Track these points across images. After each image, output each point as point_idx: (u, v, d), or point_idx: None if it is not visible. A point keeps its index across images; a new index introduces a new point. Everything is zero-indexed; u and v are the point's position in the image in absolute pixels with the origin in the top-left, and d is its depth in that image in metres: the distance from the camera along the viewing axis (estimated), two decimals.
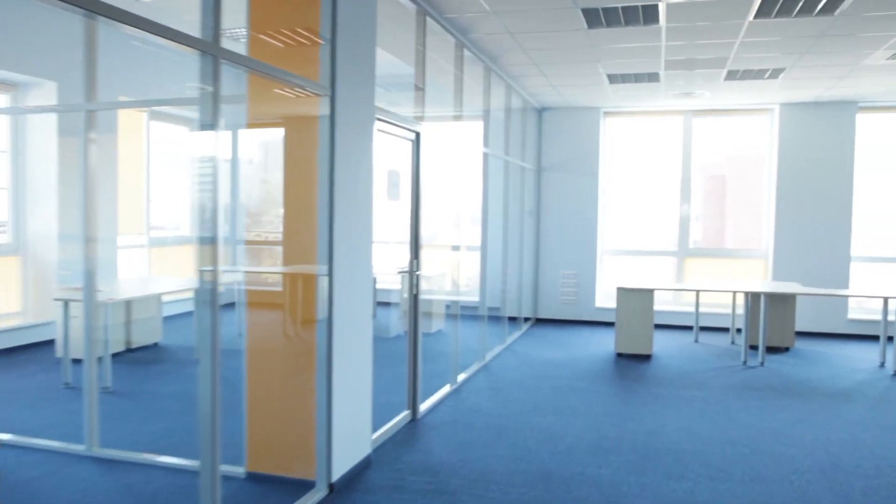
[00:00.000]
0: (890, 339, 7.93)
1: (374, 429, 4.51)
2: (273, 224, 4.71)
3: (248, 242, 4.87)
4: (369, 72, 4.13)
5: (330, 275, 3.72)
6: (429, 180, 5.24)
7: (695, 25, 5.53)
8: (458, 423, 5.08)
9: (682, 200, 9.68)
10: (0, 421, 4.87)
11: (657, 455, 4.43)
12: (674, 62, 6.80)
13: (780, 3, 4.90)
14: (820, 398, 5.89)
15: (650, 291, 7.40)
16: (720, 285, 7.83)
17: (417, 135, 5.05)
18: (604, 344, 8.23)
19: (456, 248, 6.67)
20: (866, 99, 8.79)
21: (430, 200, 7.23)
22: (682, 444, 4.66)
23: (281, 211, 4.11)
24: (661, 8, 5.08)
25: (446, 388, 5.94)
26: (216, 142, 2.83)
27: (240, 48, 3.43)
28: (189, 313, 8.95)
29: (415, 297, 5.13)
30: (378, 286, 9.28)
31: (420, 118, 5.11)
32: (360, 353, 4.14)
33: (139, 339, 7.20)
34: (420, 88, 5.21)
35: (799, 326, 8.83)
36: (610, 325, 9.15)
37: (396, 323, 9.06)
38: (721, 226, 9.97)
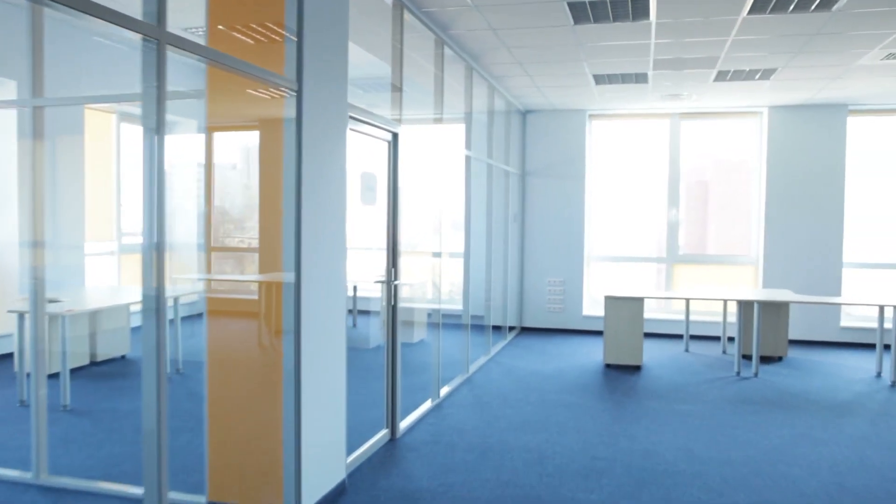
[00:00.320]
0: (886, 347, 7.72)
1: (349, 451, 4.18)
2: (253, 231, 4.42)
3: (215, 249, 4.57)
4: (341, 67, 3.82)
5: (297, 283, 3.40)
6: (409, 184, 4.94)
7: (686, 21, 5.28)
8: (441, 442, 4.77)
9: (670, 205, 9.45)
10: None
11: (653, 478, 4.14)
12: (663, 61, 6.55)
13: None
14: (820, 412, 5.64)
15: (640, 300, 7.13)
16: (711, 293, 7.59)
17: (395, 136, 4.75)
18: (592, 354, 7.95)
19: (437, 254, 6.36)
20: (857, 101, 8.60)
21: (411, 205, 6.92)
22: (679, 464, 4.37)
23: (256, 217, 3.81)
24: (652, 2, 4.83)
25: (428, 404, 5.63)
26: (159, 142, 2.49)
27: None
28: None
29: (393, 309, 4.81)
30: (358, 294, 8.96)
31: (398, 120, 4.81)
32: (332, 367, 3.82)
33: (105, 352, 6.80)
34: (398, 88, 4.91)
35: (791, 335, 8.60)
36: (598, 333, 8.86)
37: (377, 333, 8.72)
38: (706, 232, 9.73)
